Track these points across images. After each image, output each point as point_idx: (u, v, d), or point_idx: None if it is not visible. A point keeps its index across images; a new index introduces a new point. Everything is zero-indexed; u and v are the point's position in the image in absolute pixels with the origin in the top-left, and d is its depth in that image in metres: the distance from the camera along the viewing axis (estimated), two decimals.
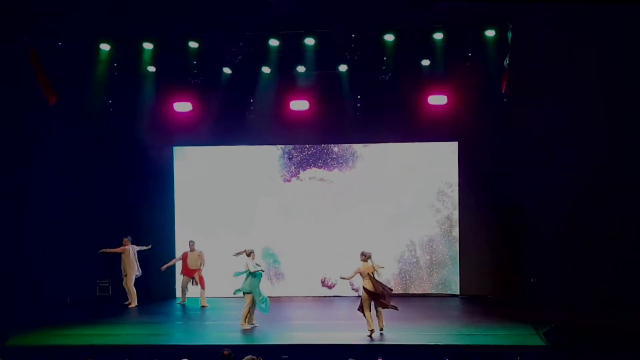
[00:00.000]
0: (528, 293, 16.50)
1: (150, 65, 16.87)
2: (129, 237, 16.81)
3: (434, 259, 17.49)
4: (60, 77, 15.69)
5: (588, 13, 14.30)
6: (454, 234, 17.45)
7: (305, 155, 17.92)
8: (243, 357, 9.71)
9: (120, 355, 11.78)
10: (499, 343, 12.59)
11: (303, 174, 17.92)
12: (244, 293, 14.13)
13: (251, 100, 17.48)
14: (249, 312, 14.13)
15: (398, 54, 16.32)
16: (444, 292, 17.41)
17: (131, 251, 16.70)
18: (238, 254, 14.34)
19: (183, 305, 16.69)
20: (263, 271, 14.29)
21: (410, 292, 17.40)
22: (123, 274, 16.81)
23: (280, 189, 17.93)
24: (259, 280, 14.14)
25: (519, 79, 15.66)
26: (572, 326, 12.70)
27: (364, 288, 13.37)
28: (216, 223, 17.67)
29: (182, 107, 17.36)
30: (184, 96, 17.22)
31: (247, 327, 14.04)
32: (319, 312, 16.13)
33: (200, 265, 16.62)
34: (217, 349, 10.73)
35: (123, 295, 17.26)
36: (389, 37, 15.99)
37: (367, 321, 13.24)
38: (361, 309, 13.41)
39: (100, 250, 16.74)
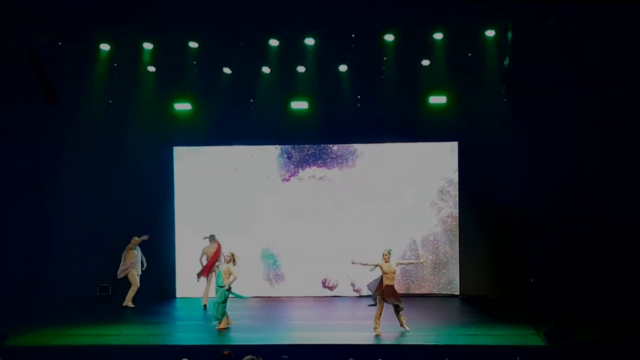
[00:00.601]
0: (528, 293, 16.49)
1: (150, 65, 16.88)
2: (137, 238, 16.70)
3: (436, 258, 17.46)
4: (60, 77, 15.67)
5: (588, 13, 14.29)
6: (455, 232, 17.43)
7: (304, 155, 17.90)
8: (243, 357, 9.72)
9: (120, 355, 11.79)
10: (499, 343, 12.60)
11: (302, 173, 17.91)
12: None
13: (251, 100, 17.48)
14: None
15: (398, 54, 16.34)
16: (444, 292, 17.39)
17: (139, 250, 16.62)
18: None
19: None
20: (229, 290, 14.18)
21: (410, 292, 17.38)
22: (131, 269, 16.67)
23: (280, 189, 17.91)
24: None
25: (519, 79, 15.66)
26: (572, 326, 12.68)
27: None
28: (216, 223, 17.64)
29: (182, 107, 17.40)
30: (184, 96, 17.24)
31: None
32: (319, 312, 16.13)
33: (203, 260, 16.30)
34: (217, 349, 10.75)
35: (123, 295, 17.26)
36: (389, 37, 16.01)
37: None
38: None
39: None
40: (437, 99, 16.86)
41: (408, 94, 16.93)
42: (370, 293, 14.68)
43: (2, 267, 15.93)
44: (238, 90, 17.23)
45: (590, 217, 15.89)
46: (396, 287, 13.77)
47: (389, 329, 13.48)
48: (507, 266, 17.00)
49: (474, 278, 17.33)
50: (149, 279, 17.27)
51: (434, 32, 15.87)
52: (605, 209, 15.76)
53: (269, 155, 17.96)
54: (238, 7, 14.56)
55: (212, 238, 16.20)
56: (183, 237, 17.68)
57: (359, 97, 17.32)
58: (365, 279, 16.65)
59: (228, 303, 15.76)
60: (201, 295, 16.35)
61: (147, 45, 16.46)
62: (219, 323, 14.00)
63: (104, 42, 16.32)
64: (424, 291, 17.43)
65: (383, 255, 13.66)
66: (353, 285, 17.66)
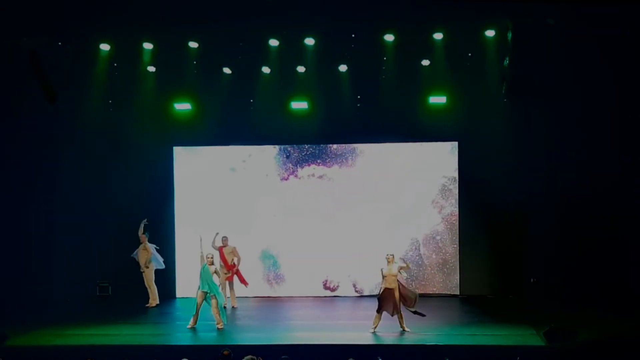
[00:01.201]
0: (528, 293, 16.49)
1: (150, 65, 16.89)
2: (146, 234, 16.65)
3: (439, 257, 17.43)
4: (60, 77, 15.65)
5: (588, 13, 14.30)
6: (456, 230, 17.42)
7: (303, 154, 17.87)
8: (243, 357, 9.72)
9: (120, 355, 11.79)
10: (499, 343, 12.59)
11: (301, 171, 17.87)
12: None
13: (251, 101, 17.48)
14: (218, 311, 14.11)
15: (398, 54, 16.35)
16: (444, 292, 17.39)
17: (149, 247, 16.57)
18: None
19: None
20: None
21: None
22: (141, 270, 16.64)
23: (279, 188, 17.87)
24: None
25: (519, 79, 15.66)
26: (572, 326, 12.68)
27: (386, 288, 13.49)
28: (216, 223, 17.62)
29: (182, 107, 17.41)
30: (184, 96, 17.26)
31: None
32: (319, 312, 16.12)
33: (236, 261, 16.20)
34: (217, 349, 10.75)
35: (123, 295, 17.29)
36: (389, 37, 16.02)
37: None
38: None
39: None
40: (437, 99, 16.86)
41: (408, 94, 16.92)
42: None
43: (2, 267, 15.92)
44: (238, 90, 17.24)
45: (590, 216, 15.91)
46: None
47: (389, 329, 13.48)
48: (507, 266, 16.99)
49: (474, 278, 17.32)
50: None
51: (434, 32, 15.91)
52: (605, 209, 15.77)
53: (267, 154, 17.94)
54: (238, 7, 14.56)
55: (225, 239, 16.23)
56: (183, 237, 17.67)
57: (359, 97, 17.32)
58: (366, 279, 16.75)
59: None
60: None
61: (147, 45, 16.49)
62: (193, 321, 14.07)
63: (104, 42, 16.34)
64: (426, 291, 17.39)
65: (387, 259, 13.63)
66: (355, 286, 17.63)
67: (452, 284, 17.40)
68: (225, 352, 10.22)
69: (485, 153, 17.02)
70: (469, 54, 16.33)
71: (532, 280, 16.47)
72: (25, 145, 16.62)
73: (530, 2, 14.14)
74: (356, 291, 17.59)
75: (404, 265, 13.72)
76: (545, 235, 16.39)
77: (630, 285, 15.29)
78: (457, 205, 17.37)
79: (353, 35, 16.03)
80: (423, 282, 17.46)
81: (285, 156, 17.89)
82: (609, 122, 15.78)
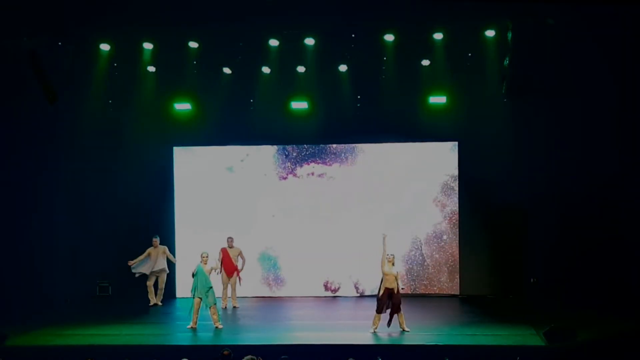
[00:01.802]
0: (528, 293, 16.49)
1: (150, 65, 16.89)
2: (157, 238, 16.61)
3: (441, 257, 17.42)
4: (60, 77, 15.66)
5: (588, 13, 14.30)
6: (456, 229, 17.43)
7: (303, 155, 17.85)
8: (243, 357, 9.72)
9: (120, 355, 11.78)
10: (499, 343, 12.58)
11: (300, 170, 17.85)
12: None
13: (251, 100, 17.49)
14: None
15: (398, 54, 16.35)
16: (444, 292, 17.38)
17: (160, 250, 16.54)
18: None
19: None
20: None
21: (410, 292, 17.37)
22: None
23: (278, 187, 17.86)
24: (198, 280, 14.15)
25: (519, 79, 15.66)
26: (572, 326, 12.68)
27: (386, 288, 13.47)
28: (216, 223, 17.64)
29: (182, 107, 17.42)
30: (184, 96, 17.26)
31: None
32: (319, 312, 16.11)
33: (240, 264, 16.17)
34: (217, 349, 10.75)
35: (123, 295, 17.29)
36: (389, 37, 16.02)
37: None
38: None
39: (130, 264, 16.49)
40: (437, 99, 16.87)
41: (408, 94, 16.93)
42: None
43: (2, 267, 15.92)
44: (238, 90, 17.25)
45: (590, 216, 15.91)
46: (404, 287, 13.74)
47: (389, 329, 13.47)
48: (507, 266, 16.99)
49: (474, 278, 17.32)
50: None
51: (434, 32, 15.90)
52: (605, 209, 15.77)
53: (266, 153, 17.91)
54: (238, 7, 14.56)
55: (230, 240, 16.21)
56: (183, 237, 17.66)
57: (359, 97, 17.32)
58: (367, 280, 16.71)
59: (231, 303, 15.86)
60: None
61: (147, 45, 16.49)
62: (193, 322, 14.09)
63: (104, 42, 16.34)
64: (427, 291, 17.39)
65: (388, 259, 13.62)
66: (357, 286, 17.62)
67: (453, 284, 17.38)
68: (225, 352, 10.22)
69: (485, 153, 17.02)
70: (469, 54, 16.33)
71: (532, 280, 16.50)
72: (25, 145, 16.61)
73: (530, 2, 14.14)
74: (358, 292, 17.56)
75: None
76: (545, 235, 16.40)
77: (630, 285, 15.28)
78: (458, 205, 17.37)
79: (353, 35, 16.04)
80: (424, 282, 17.46)
81: (284, 155, 17.88)
82: (609, 121, 15.78)
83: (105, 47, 16.42)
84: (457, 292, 17.36)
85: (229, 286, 16.16)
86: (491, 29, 15.75)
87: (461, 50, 16.25)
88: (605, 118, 15.80)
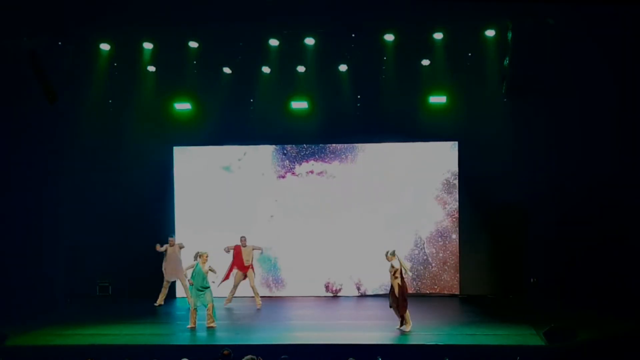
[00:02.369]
0: (528, 293, 16.49)
1: (150, 65, 16.89)
2: (173, 236, 16.58)
3: (445, 255, 17.41)
4: (60, 77, 15.67)
5: (588, 13, 14.30)
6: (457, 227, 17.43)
7: (302, 154, 17.84)
8: (243, 357, 9.71)
9: (120, 355, 11.78)
10: (499, 343, 12.58)
11: (299, 168, 17.83)
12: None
13: (251, 100, 17.49)
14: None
15: (398, 54, 16.35)
16: (444, 292, 17.38)
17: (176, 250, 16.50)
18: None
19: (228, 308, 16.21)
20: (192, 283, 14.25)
21: (410, 292, 17.35)
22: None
23: (277, 187, 17.85)
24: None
25: (518, 78, 15.67)
26: (572, 326, 12.68)
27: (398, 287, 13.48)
28: (216, 222, 17.64)
29: (182, 107, 17.42)
30: (184, 96, 17.27)
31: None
32: (319, 312, 16.11)
33: (256, 253, 16.27)
34: (217, 349, 10.74)
35: (123, 295, 17.28)
36: (389, 37, 16.02)
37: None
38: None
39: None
40: (437, 99, 16.87)
41: (408, 94, 16.94)
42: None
43: (2, 267, 15.91)
44: (238, 90, 17.25)
45: (590, 216, 15.90)
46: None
47: (389, 329, 13.48)
48: (507, 266, 16.99)
49: (474, 278, 17.32)
50: (149, 279, 17.28)
51: (434, 32, 15.91)
52: (605, 208, 15.76)
53: (265, 152, 17.90)
54: (238, 7, 14.56)
55: (244, 239, 16.23)
56: (183, 237, 17.63)
57: (359, 97, 17.32)
58: (369, 280, 16.68)
59: (231, 303, 15.87)
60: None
61: (147, 45, 16.49)
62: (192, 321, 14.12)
63: (104, 42, 16.34)
64: (427, 290, 17.39)
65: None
66: (358, 287, 17.61)
67: (454, 283, 17.38)
68: (225, 352, 10.21)
69: (485, 153, 17.02)
70: (469, 54, 16.34)
71: (532, 280, 16.49)
72: (25, 145, 16.58)
73: (530, 2, 14.14)
74: (359, 292, 17.55)
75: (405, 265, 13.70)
76: (545, 235, 16.40)
77: (630, 285, 15.28)
78: (458, 205, 17.38)
79: (353, 35, 16.03)
80: (424, 281, 17.46)
81: (282, 153, 17.86)
82: (609, 121, 15.77)
83: (105, 47, 16.43)
84: (457, 292, 17.36)
85: (240, 287, 16.15)
86: (491, 29, 15.76)
87: (461, 50, 16.26)
88: (605, 118, 15.79)
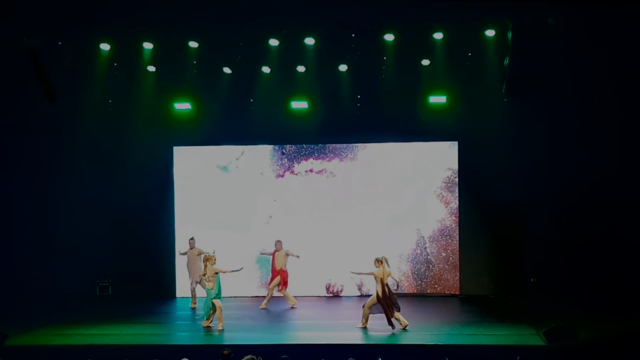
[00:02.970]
0: (528, 293, 16.49)
1: (150, 65, 16.89)
2: (193, 239, 16.42)
3: (448, 254, 17.41)
4: (61, 77, 15.67)
5: (588, 13, 14.30)
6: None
7: (302, 153, 17.83)
8: (243, 357, 9.71)
9: (120, 355, 11.78)
10: (499, 343, 12.58)
11: (298, 166, 17.81)
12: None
13: (251, 100, 17.49)
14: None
15: (398, 54, 16.35)
16: (444, 292, 17.38)
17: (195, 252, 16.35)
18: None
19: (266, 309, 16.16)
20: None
21: (410, 292, 17.39)
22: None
23: (276, 186, 17.84)
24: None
25: (518, 78, 15.66)
26: (572, 326, 12.68)
27: (376, 292, 13.49)
28: (216, 222, 17.63)
29: (182, 107, 17.42)
30: (184, 96, 17.26)
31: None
32: (319, 312, 16.11)
33: (291, 258, 16.21)
34: (217, 349, 10.73)
35: (123, 295, 17.28)
36: (389, 37, 16.02)
37: (364, 315, 13.59)
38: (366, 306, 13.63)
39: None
40: (437, 99, 16.88)
41: (408, 94, 16.94)
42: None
43: (2, 267, 15.92)
44: (238, 90, 17.25)
45: (590, 216, 15.91)
46: (406, 287, 13.72)
47: (388, 329, 13.47)
48: (507, 266, 17.00)
49: (474, 278, 17.32)
50: (149, 279, 17.30)
51: (434, 32, 15.90)
52: (605, 209, 15.77)
53: (264, 151, 17.90)
54: (238, 7, 14.56)
55: (279, 243, 16.21)
56: (183, 237, 17.63)
57: (359, 97, 17.32)
58: (369, 280, 16.65)
59: (230, 303, 15.85)
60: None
61: (147, 45, 16.48)
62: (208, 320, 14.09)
63: (104, 42, 16.33)
64: (427, 291, 17.38)
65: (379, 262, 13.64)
66: (359, 287, 17.59)
67: (454, 282, 17.37)
68: (225, 352, 10.21)
69: (485, 153, 17.03)
70: (469, 54, 16.34)
71: (532, 280, 16.49)
72: (25, 144, 16.62)
73: (530, 2, 14.13)
74: (361, 292, 17.53)
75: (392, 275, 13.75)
76: (545, 235, 16.41)
77: (630, 285, 15.28)
78: (458, 205, 17.38)
79: (353, 35, 16.03)
80: (426, 280, 17.45)
81: (280, 152, 17.84)
82: (609, 121, 15.77)
83: (105, 47, 16.42)
84: (457, 292, 17.36)
85: (241, 287, 16.21)
86: (491, 29, 15.76)
87: (461, 50, 16.26)
88: (604, 118, 15.79)
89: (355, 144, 17.71)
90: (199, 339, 13.45)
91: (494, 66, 16.09)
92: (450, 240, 17.40)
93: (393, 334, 13.27)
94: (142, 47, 16.52)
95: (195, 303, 16.22)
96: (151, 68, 16.99)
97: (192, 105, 17.47)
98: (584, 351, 12.12)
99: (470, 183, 17.25)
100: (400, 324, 13.49)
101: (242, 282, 16.49)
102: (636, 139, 15.53)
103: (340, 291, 17.67)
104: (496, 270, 17.19)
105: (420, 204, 17.46)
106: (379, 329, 13.58)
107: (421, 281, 17.46)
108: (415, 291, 17.40)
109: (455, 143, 17.36)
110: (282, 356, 10.22)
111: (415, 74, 16.75)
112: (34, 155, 16.85)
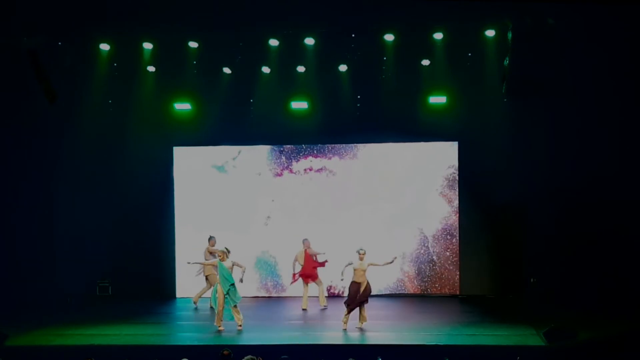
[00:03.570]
0: (528, 293, 16.49)
1: (150, 65, 16.89)
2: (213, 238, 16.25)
3: (451, 254, 17.40)
4: (61, 77, 15.68)
5: (588, 13, 14.30)
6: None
7: (301, 152, 17.83)
8: (243, 357, 9.72)
9: (120, 355, 11.78)
10: (499, 343, 12.59)
11: (297, 165, 17.79)
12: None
13: (251, 100, 17.49)
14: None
15: (398, 54, 16.35)
16: (444, 292, 17.37)
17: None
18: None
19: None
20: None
21: (410, 292, 17.38)
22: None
23: (276, 185, 17.83)
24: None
25: (519, 78, 15.65)
26: (572, 326, 12.68)
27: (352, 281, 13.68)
28: (216, 222, 17.62)
29: (182, 107, 17.42)
30: (184, 96, 17.27)
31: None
32: (319, 312, 16.10)
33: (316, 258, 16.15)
34: (217, 349, 10.74)
35: (123, 295, 17.28)
36: (389, 37, 16.02)
37: (345, 317, 13.80)
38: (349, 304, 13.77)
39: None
40: (437, 99, 16.88)
41: (408, 94, 16.94)
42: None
43: (2, 267, 15.92)
44: (238, 90, 17.25)
45: (590, 217, 15.90)
46: (407, 287, 13.73)
47: (389, 329, 13.49)
48: (507, 266, 16.99)
49: (474, 278, 17.32)
50: (149, 279, 17.31)
51: (434, 32, 15.90)
52: (605, 209, 15.76)
53: (264, 150, 17.88)
54: (238, 7, 14.56)
55: (307, 242, 16.13)
56: (183, 237, 17.66)
57: (359, 97, 17.32)
58: (370, 280, 16.61)
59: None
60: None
61: (147, 45, 16.49)
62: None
63: (104, 42, 16.34)
64: (428, 291, 17.37)
65: (359, 254, 13.81)
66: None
67: (455, 282, 17.36)
68: (225, 352, 10.21)
69: (485, 153, 17.03)
70: (469, 54, 16.34)
71: (532, 280, 16.49)
72: (25, 144, 16.62)
73: (530, 2, 14.13)
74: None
75: (377, 262, 13.83)
76: (545, 235, 16.39)
77: (630, 285, 15.28)
78: (458, 205, 17.37)
79: (353, 35, 16.03)
80: (428, 280, 17.44)
81: (279, 151, 17.83)
82: (609, 121, 15.77)
83: (105, 47, 16.42)
84: (457, 292, 17.36)
85: (312, 287, 16.13)
86: (491, 29, 15.76)
87: (461, 50, 16.26)
88: (604, 118, 15.79)
89: (355, 144, 17.69)
90: (199, 339, 13.44)
91: (494, 66, 16.09)
92: (455, 239, 17.37)
93: (393, 334, 13.27)
94: (142, 48, 16.53)
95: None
96: (151, 68, 16.99)
97: (192, 105, 17.47)
98: (584, 351, 12.13)
99: (470, 183, 17.25)
100: (360, 320, 13.73)
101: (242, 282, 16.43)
102: (636, 139, 15.52)
103: (341, 292, 17.63)
104: (496, 270, 17.19)
105: (422, 203, 17.43)
106: (379, 329, 13.58)
107: (424, 281, 17.44)
108: (416, 291, 17.39)
109: (455, 143, 17.35)
110: (282, 356, 10.23)
111: (415, 74, 16.75)
112: (34, 155, 16.84)
